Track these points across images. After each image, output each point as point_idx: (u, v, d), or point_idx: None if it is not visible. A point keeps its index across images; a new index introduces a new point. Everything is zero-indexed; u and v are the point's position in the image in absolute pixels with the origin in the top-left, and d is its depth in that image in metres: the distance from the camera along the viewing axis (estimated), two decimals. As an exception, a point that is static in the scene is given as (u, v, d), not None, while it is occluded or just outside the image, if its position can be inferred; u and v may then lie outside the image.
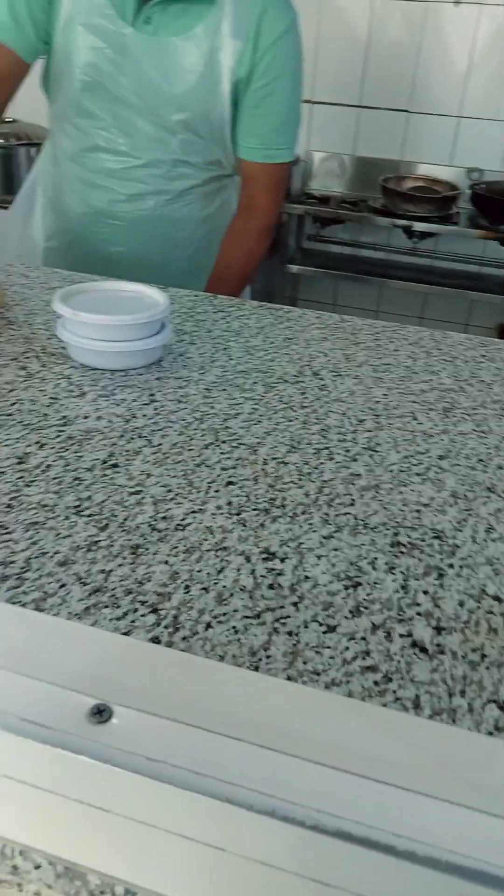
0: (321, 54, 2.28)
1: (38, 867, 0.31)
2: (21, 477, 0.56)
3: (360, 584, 0.48)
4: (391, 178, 2.27)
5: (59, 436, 0.63)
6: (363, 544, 0.52)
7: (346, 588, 0.48)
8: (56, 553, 0.48)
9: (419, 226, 2.13)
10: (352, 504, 0.57)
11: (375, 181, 2.27)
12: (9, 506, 0.53)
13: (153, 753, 0.27)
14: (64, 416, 0.66)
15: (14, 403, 0.67)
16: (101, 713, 0.28)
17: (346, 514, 0.56)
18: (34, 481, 0.56)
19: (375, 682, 0.41)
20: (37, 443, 0.61)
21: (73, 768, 0.28)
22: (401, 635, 0.44)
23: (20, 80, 1.10)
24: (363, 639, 0.44)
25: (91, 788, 0.28)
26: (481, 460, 0.65)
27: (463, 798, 0.28)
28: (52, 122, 1.19)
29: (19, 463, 0.58)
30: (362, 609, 0.46)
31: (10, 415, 0.65)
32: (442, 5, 2.17)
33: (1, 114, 1.12)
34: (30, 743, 0.28)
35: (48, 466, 0.58)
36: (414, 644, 0.44)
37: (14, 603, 0.43)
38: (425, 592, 0.48)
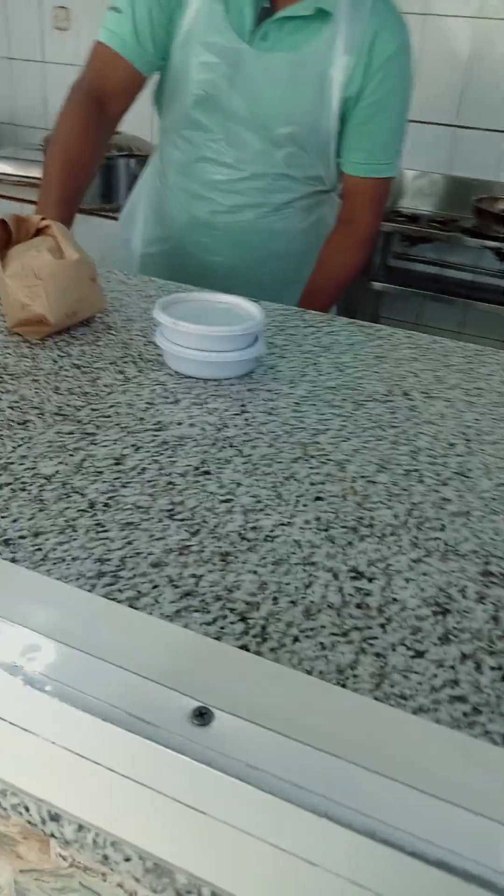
0: (418, 71, 2.26)
1: (128, 860, 0.32)
2: (118, 478, 0.58)
3: (449, 611, 0.48)
4: (485, 199, 2.23)
5: (153, 440, 0.64)
6: (453, 571, 0.52)
7: (435, 614, 0.47)
8: (150, 554, 0.50)
9: (512, 249, 2.09)
10: (442, 529, 0.56)
11: (468, 201, 2.24)
12: (106, 504, 0.55)
13: (254, 761, 0.27)
14: (159, 421, 0.67)
15: (112, 406, 0.69)
16: (202, 716, 0.29)
17: (435, 538, 0.55)
18: (130, 483, 0.58)
19: (465, 713, 0.40)
20: (133, 445, 0.63)
21: (173, 767, 0.28)
22: (491, 668, 0.44)
23: (137, 93, 1.15)
24: (452, 667, 0.43)
25: (189, 788, 0.28)
26: None
27: None
28: (162, 135, 1.24)
29: (116, 464, 0.60)
30: (451, 637, 0.46)
31: (108, 416, 0.67)
32: (550, 26, 2.13)
33: (116, 126, 1.17)
34: (134, 738, 0.28)
35: (143, 469, 0.60)
36: (504, 678, 0.43)
37: (110, 599, 0.45)
38: (517, 626, 0.47)
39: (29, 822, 0.34)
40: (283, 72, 1.08)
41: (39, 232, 0.88)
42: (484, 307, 2.25)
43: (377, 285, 2.30)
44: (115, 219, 2.07)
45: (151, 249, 1.30)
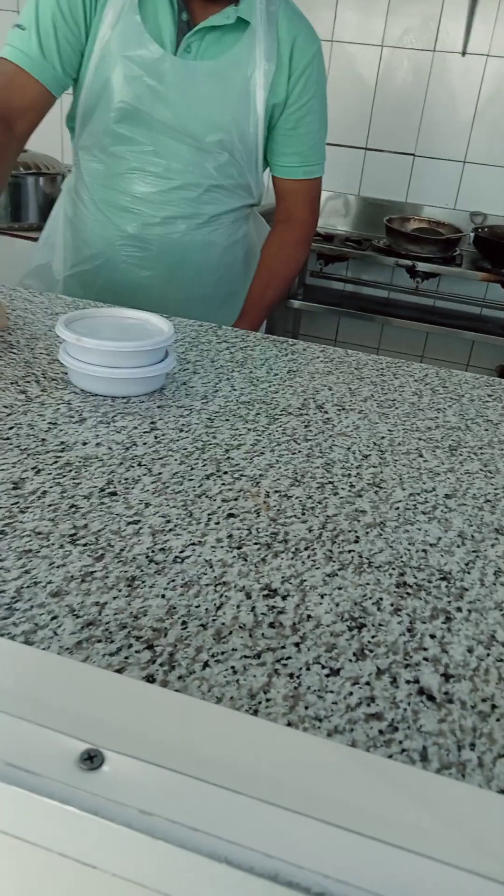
0: (330, 97, 2.32)
1: (15, 927, 0.28)
2: (16, 503, 0.54)
3: (364, 625, 0.46)
4: (396, 219, 2.30)
5: (56, 461, 0.61)
6: (368, 583, 0.50)
7: (350, 629, 0.46)
8: (49, 583, 0.46)
9: (422, 266, 2.15)
10: (356, 541, 0.55)
11: (380, 222, 2.30)
12: (2, 532, 0.51)
13: (146, 806, 0.25)
14: (62, 442, 0.64)
15: (12, 427, 0.66)
16: (91, 759, 0.26)
17: (350, 551, 0.54)
18: (29, 507, 0.54)
19: (381, 731, 0.39)
20: (33, 468, 0.59)
21: (60, 819, 0.25)
22: (407, 681, 0.42)
23: (44, 111, 1.12)
24: (367, 684, 0.42)
25: (77, 841, 0.26)
26: (488, 500, 0.63)
27: (476, 865, 0.26)
28: (79, 153, 1.21)
29: (14, 488, 0.56)
30: (367, 652, 0.44)
31: (7, 439, 0.64)
32: (449, 55, 2.22)
33: (23, 144, 1.13)
34: (12, 790, 0.25)
35: (44, 493, 0.56)
36: (421, 691, 0.42)
37: (2, 635, 0.41)
38: (432, 636, 0.46)
39: None
40: (207, 80, 1.10)
41: None
42: (400, 323, 2.30)
43: (295, 303, 2.33)
44: (25, 238, 2.02)
45: (76, 270, 1.27)
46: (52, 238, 1.33)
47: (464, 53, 2.20)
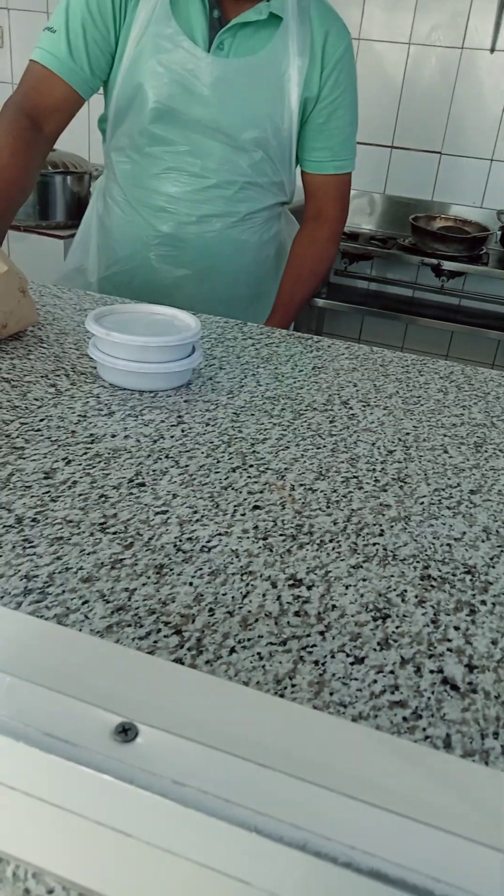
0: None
1: (50, 892, 0.29)
2: (47, 492, 0.56)
3: (388, 616, 0.47)
4: (421, 217, 2.29)
5: (86, 453, 0.62)
6: (392, 576, 0.51)
7: (375, 619, 0.47)
8: (80, 569, 0.48)
9: (448, 265, 2.14)
10: (381, 534, 0.56)
11: (405, 220, 2.29)
12: (34, 520, 0.52)
13: (179, 776, 0.26)
14: (92, 434, 0.65)
15: (43, 419, 0.67)
16: (126, 732, 0.27)
17: (374, 544, 0.54)
18: (60, 496, 0.55)
19: (404, 718, 0.39)
20: (64, 459, 0.61)
21: (95, 787, 0.26)
22: (431, 671, 0.43)
23: (73, 113, 1.13)
24: (392, 672, 0.42)
25: (112, 810, 0.27)
26: (513, 496, 0.63)
27: (494, 840, 0.26)
28: (112, 155, 1.22)
29: (46, 478, 0.58)
30: (391, 642, 0.45)
31: (38, 430, 0.65)
32: (477, 52, 2.21)
33: (52, 144, 1.15)
34: (51, 758, 0.27)
35: (75, 482, 0.58)
36: (445, 681, 0.42)
37: (37, 617, 0.42)
38: (456, 628, 0.47)
39: None
40: (240, 77, 1.10)
41: (-32, 244, 0.85)
42: (424, 322, 2.30)
43: (319, 302, 2.33)
44: (53, 236, 2.04)
45: (110, 272, 1.28)
46: (84, 241, 1.33)
47: (492, 50, 2.19)
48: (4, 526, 0.51)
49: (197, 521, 0.55)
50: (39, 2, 2.57)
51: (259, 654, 0.42)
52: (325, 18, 1.14)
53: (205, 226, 1.20)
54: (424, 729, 0.39)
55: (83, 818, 0.27)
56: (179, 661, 0.41)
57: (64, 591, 0.45)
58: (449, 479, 0.65)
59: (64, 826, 0.27)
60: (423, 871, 0.24)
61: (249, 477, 0.62)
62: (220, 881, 0.25)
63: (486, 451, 0.71)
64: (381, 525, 0.57)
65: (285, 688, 0.40)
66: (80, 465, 0.60)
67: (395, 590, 0.50)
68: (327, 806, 0.26)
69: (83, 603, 0.45)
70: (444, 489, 0.63)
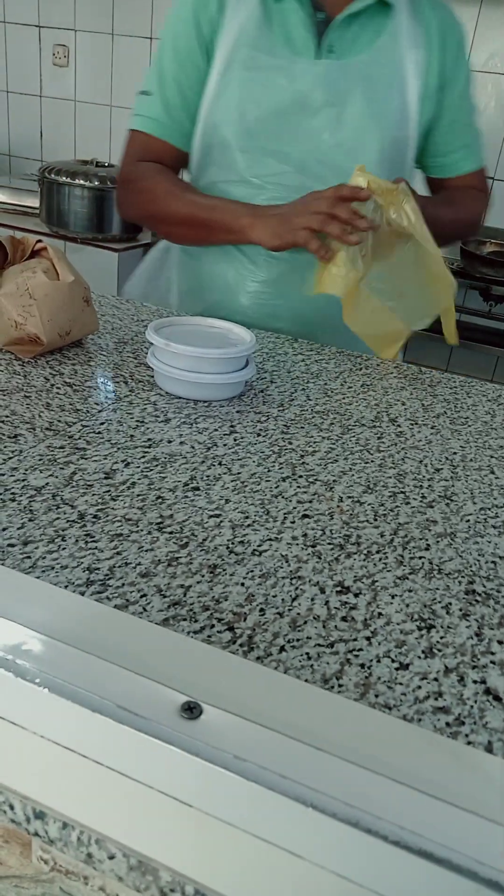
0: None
1: (111, 857, 0.32)
2: (108, 491, 0.59)
3: (433, 626, 0.48)
4: (471, 242, 2.29)
5: (144, 456, 0.65)
6: (438, 588, 0.52)
7: (420, 629, 0.48)
8: (138, 564, 0.50)
9: (497, 289, 2.14)
10: (427, 549, 0.57)
11: (455, 244, 2.30)
12: (95, 516, 0.55)
13: (240, 752, 0.28)
14: (149, 439, 0.68)
15: (103, 423, 0.70)
16: (191, 710, 0.29)
17: (420, 557, 0.56)
18: (119, 496, 0.58)
19: (447, 724, 0.41)
20: (123, 461, 0.64)
21: (161, 758, 0.29)
22: (474, 681, 0.44)
23: (181, 169, 1.12)
24: (435, 679, 0.44)
25: (175, 780, 0.29)
26: None
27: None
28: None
29: (106, 478, 0.61)
30: (435, 651, 0.46)
31: (99, 433, 0.68)
32: (534, 80, 2.22)
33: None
34: (122, 728, 0.29)
35: (133, 483, 0.60)
36: (488, 691, 0.43)
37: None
38: (500, 642, 0.48)
39: (13, 821, 0.34)
40: (359, 76, 1.01)
41: (35, 254, 0.90)
42: (470, 346, 2.29)
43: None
44: (107, 248, 2.10)
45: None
46: (153, 277, 1.21)
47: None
48: (68, 521, 0.54)
49: (248, 525, 0.57)
50: (105, 24, 2.66)
51: (307, 654, 0.44)
52: (436, 6, 1.04)
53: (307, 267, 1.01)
54: (467, 735, 0.40)
55: (149, 788, 0.29)
56: (232, 655, 0.43)
57: (123, 584, 0.48)
58: (495, 499, 0.66)
59: (128, 795, 0.30)
60: (469, 854, 0.25)
61: (299, 487, 0.64)
62: (273, 853, 0.27)
63: (532, 474, 0.72)
64: (427, 540, 0.58)
65: (332, 687, 0.42)
66: (139, 467, 0.63)
67: (439, 602, 0.51)
68: (378, 789, 0.27)
69: (141, 596, 0.47)
70: (489, 508, 0.64)
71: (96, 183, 2.09)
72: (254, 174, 1.04)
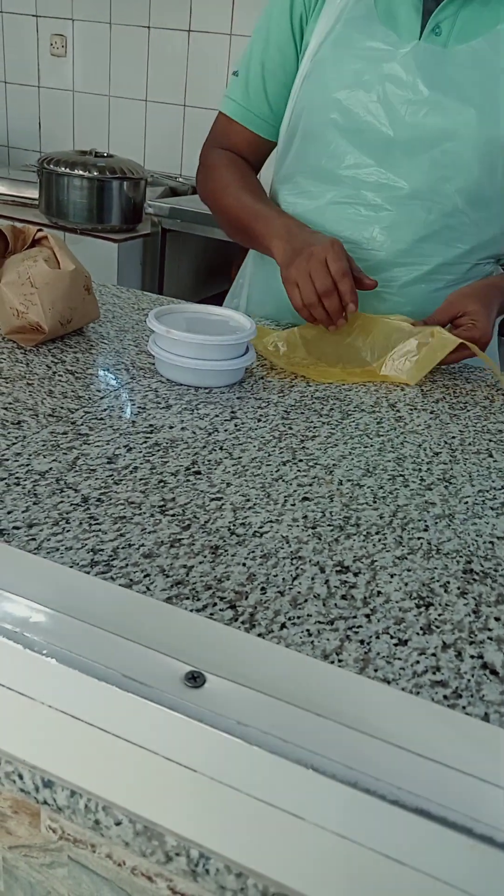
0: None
1: (118, 823, 0.33)
2: (111, 475, 0.59)
3: (431, 604, 0.49)
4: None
5: (146, 441, 0.66)
6: (436, 568, 0.53)
7: (418, 606, 0.49)
8: (141, 545, 0.51)
9: None
10: (425, 530, 0.58)
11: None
12: (99, 500, 0.56)
13: (243, 718, 0.29)
14: (151, 425, 0.69)
15: (105, 409, 0.71)
16: (195, 679, 0.30)
17: (419, 538, 0.57)
18: (122, 480, 0.59)
19: (445, 696, 0.41)
20: (125, 446, 0.64)
21: (166, 725, 0.29)
22: (471, 656, 0.45)
23: (265, 153, 1.10)
24: (433, 655, 0.45)
25: (180, 746, 0.29)
26: None
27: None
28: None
29: (109, 462, 0.61)
30: (434, 627, 0.47)
31: (101, 419, 0.69)
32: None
33: (258, 172, 1.12)
34: (128, 696, 0.30)
35: (135, 468, 0.61)
36: (484, 666, 0.44)
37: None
38: (497, 619, 0.49)
39: (22, 791, 0.35)
40: (461, 69, 0.89)
41: (36, 243, 0.90)
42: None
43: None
44: (108, 239, 2.10)
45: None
46: (240, 287, 1.18)
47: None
48: (72, 504, 0.55)
49: (249, 508, 0.58)
50: (102, 13, 2.65)
51: (308, 630, 0.45)
52: None
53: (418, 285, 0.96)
54: (464, 707, 0.41)
55: (154, 754, 0.30)
56: (234, 632, 0.44)
57: (127, 565, 0.49)
58: (493, 481, 0.67)
59: (134, 762, 0.31)
60: (464, 811, 0.26)
61: (299, 471, 0.64)
62: (275, 815, 0.28)
63: (530, 457, 0.72)
64: (425, 521, 0.59)
65: (332, 662, 0.43)
66: (141, 452, 0.64)
67: (438, 581, 0.52)
68: (375, 752, 0.28)
69: (145, 576, 0.48)
70: (487, 490, 0.65)
71: (95, 173, 2.09)
72: (332, 167, 0.97)
